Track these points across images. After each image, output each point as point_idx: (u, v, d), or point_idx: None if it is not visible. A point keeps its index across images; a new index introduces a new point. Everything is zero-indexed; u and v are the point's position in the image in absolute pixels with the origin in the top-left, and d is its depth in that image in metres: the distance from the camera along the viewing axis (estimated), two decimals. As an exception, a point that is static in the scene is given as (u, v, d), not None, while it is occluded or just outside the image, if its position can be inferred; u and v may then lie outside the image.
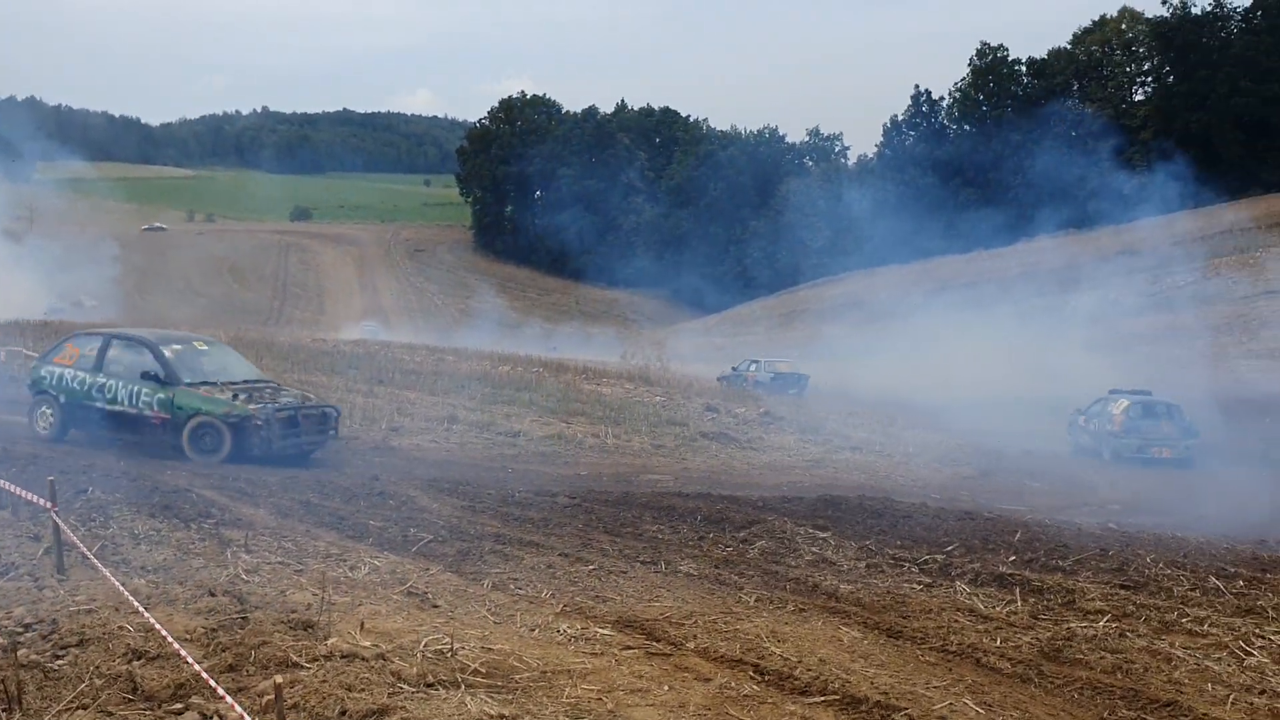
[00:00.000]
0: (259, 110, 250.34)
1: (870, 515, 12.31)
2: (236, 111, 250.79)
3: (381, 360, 31.06)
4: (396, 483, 13.02)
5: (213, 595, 7.96)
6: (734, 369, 38.53)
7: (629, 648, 7.10)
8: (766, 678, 6.62)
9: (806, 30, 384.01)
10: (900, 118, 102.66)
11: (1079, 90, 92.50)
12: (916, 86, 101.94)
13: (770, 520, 11.46)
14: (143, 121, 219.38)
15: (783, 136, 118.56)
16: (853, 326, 56.34)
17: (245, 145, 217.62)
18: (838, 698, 6.30)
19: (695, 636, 7.39)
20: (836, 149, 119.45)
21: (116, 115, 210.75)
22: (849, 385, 35.57)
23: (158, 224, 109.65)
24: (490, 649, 6.92)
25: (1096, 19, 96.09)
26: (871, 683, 6.58)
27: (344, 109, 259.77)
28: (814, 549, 10.43)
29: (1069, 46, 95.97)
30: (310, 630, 7.12)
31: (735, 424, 23.01)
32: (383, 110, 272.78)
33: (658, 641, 7.26)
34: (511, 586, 8.59)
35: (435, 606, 7.98)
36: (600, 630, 7.45)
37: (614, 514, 11.62)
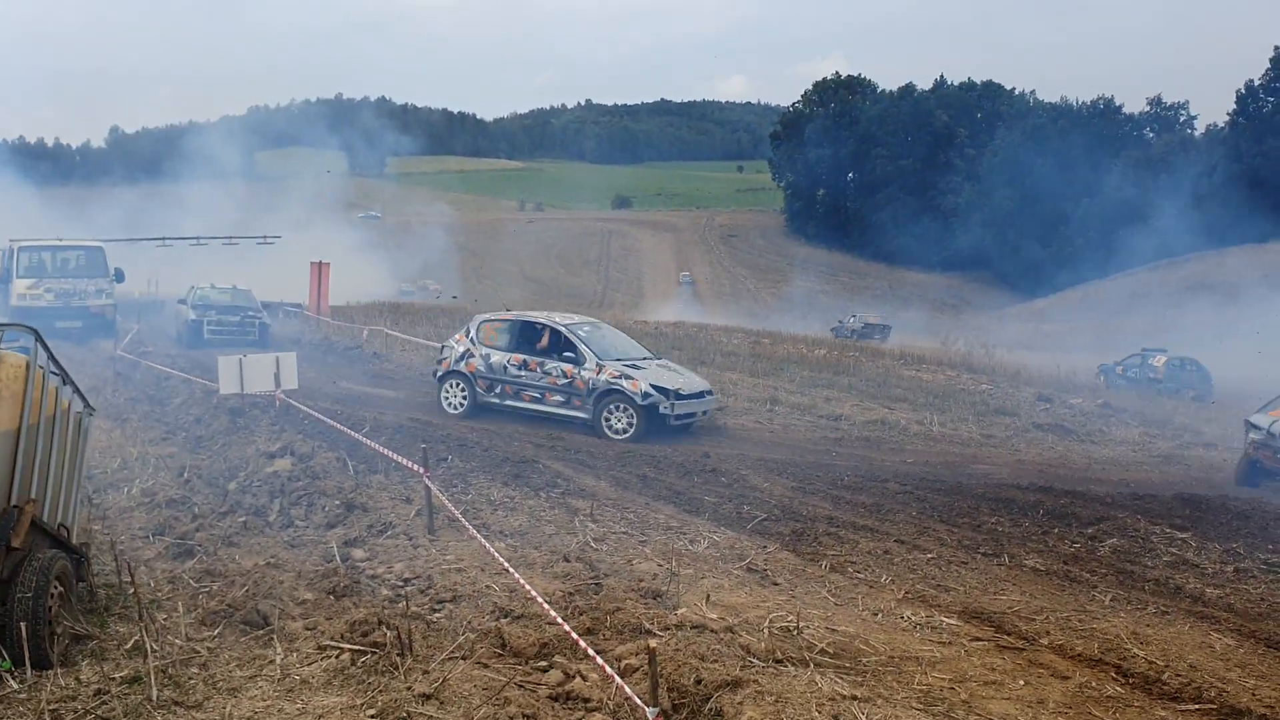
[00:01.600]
0: (582, 103, 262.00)
1: (1235, 517, 11.32)
2: (562, 105, 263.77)
3: (701, 342, 31.73)
4: (726, 460, 13.27)
5: (567, 561, 8.45)
6: (839, 321, 51.38)
7: (978, 639, 6.91)
8: (1130, 680, 6.26)
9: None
10: (1257, 82, 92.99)
11: None
12: (1277, 48, 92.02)
13: (1121, 518, 10.79)
14: (478, 117, 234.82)
15: (1119, 107, 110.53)
16: (1202, 312, 51.88)
17: (569, 137, 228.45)
18: (1214, 707, 5.87)
19: (1048, 633, 7.09)
20: (1181, 119, 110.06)
21: (454, 112, 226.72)
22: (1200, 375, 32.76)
23: (373, 213, 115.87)
24: (834, 630, 6.94)
25: None
26: (1253, 694, 6.08)
27: (661, 99, 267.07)
28: (1173, 550, 9.73)
29: None
30: (659, 599, 7.41)
31: (1071, 415, 21.78)
32: (698, 99, 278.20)
33: (1008, 635, 7.02)
34: (849, 569, 8.57)
35: (775, 584, 8.09)
36: (945, 619, 7.29)
37: (948, 503, 11.31)
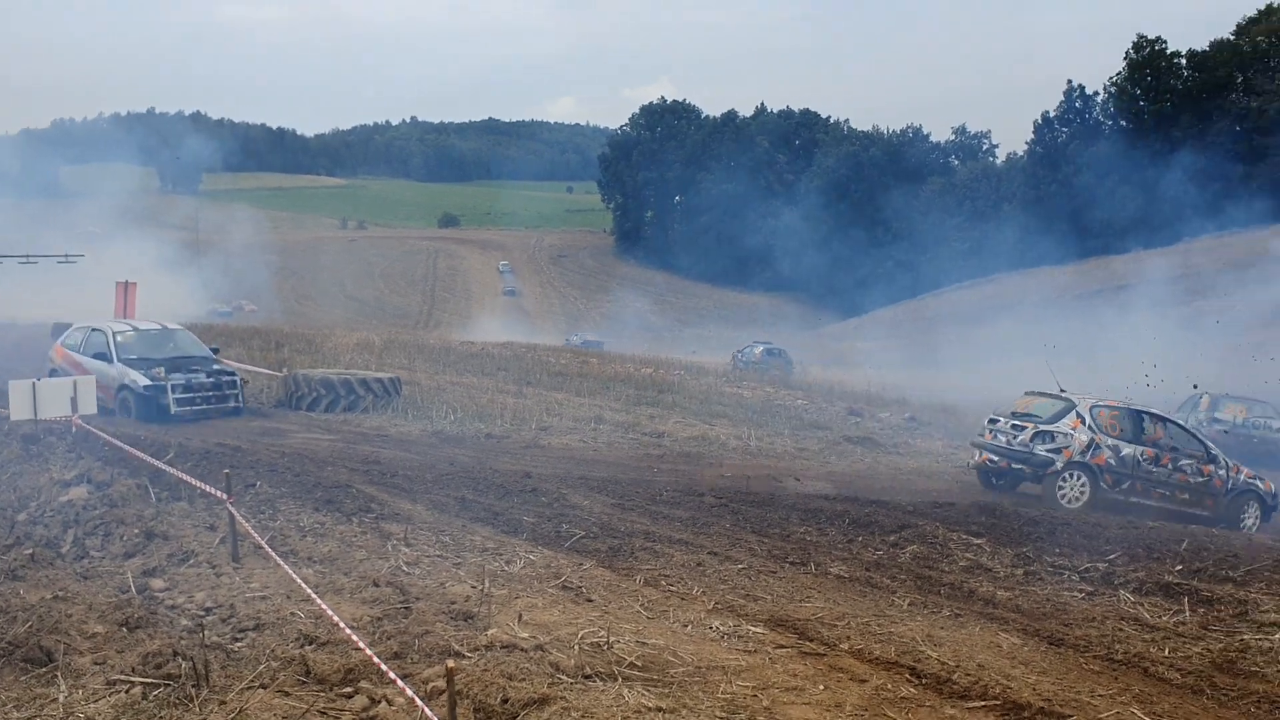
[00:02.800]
0: (408, 120, 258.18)
1: (1027, 523, 11.99)
2: (386, 121, 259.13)
3: (529, 362, 31.67)
4: (547, 480, 13.25)
5: (376, 586, 8.27)
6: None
7: (782, 646, 7.10)
8: (924, 681, 6.53)
9: (949, 26, 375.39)
10: (1052, 114, 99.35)
11: (1244, 83, 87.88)
12: (1069, 81, 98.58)
13: (921, 525, 11.27)
14: (298, 133, 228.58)
15: (927, 135, 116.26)
16: (1003, 328, 54.80)
17: (394, 154, 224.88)
18: (999, 703, 6.18)
19: (849, 638, 7.33)
20: (984, 147, 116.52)
21: (274, 127, 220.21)
22: (999, 389, 34.54)
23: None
24: (645, 643, 7.01)
25: (1263, 8, 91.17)
26: (1034, 689, 6.43)
27: (489, 118, 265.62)
28: (968, 555, 10.22)
29: (1233, 37, 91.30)
30: (470, 621, 7.34)
31: (880, 429, 22.68)
32: (527, 119, 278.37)
33: (811, 641, 7.23)
34: (663, 583, 8.67)
35: (589, 600, 8.12)
36: (752, 628, 7.46)
37: (761, 515, 11.60)
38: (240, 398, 18.81)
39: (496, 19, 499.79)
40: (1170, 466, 15.02)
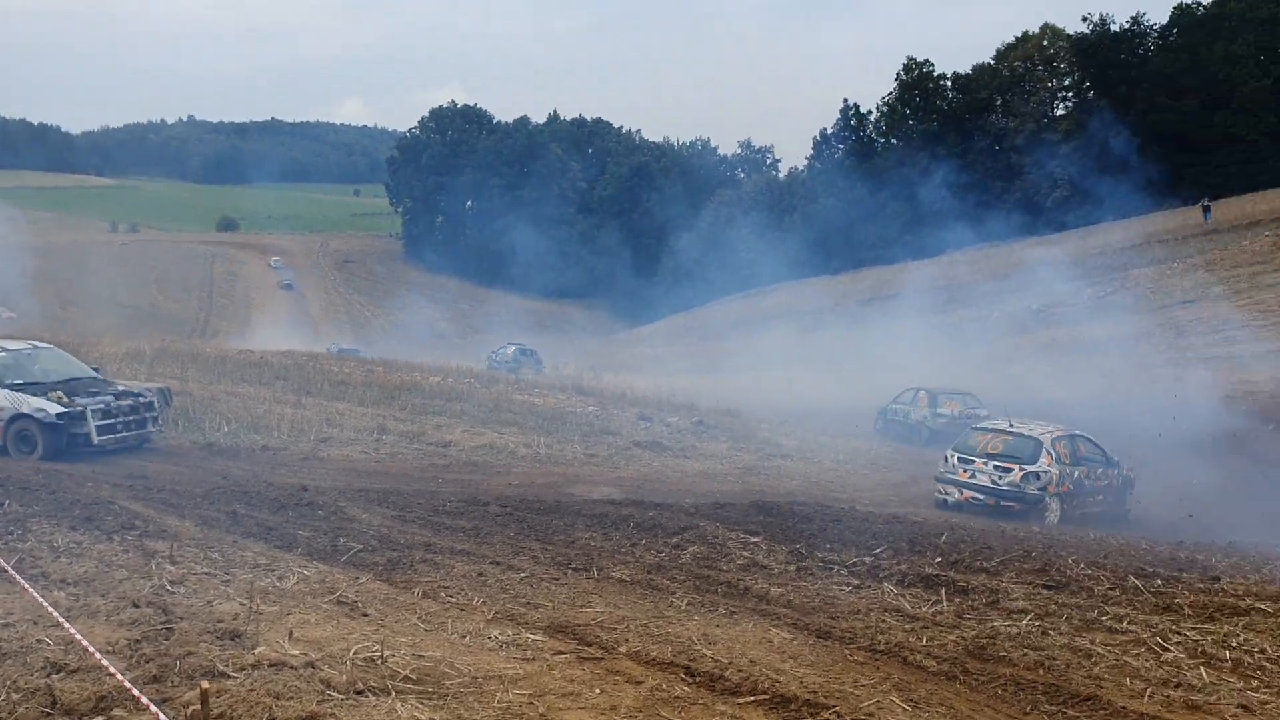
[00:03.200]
0: (185, 119, 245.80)
1: (801, 520, 12.44)
2: (161, 120, 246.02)
3: (310, 371, 30.65)
4: (325, 493, 12.88)
5: (136, 607, 7.82)
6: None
7: (560, 653, 7.11)
8: (697, 679, 6.67)
9: (737, 43, 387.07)
10: (830, 130, 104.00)
11: (1002, 105, 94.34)
12: (845, 100, 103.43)
13: (703, 526, 11.54)
14: (62, 129, 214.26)
15: (715, 148, 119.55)
16: (785, 336, 56.81)
17: (170, 154, 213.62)
18: (767, 697, 6.38)
19: (627, 640, 7.42)
20: (768, 161, 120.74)
21: (34, 123, 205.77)
22: (782, 394, 35.82)
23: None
24: (421, 656, 6.89)
25: (1019, 35, 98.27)
26: (801, 682, 6.67)
27: (272, 118, 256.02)
28: (746, 554, 10.52)
29: (993, 62, 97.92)
30: (238, 640, 7.03)
31: (668, 433, 23.10)
32: (312, 120, 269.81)
33: (589, 646, 7.28)
34: (442, 594, 8.56)
35: (365, 615, 7.93)
36: (531, 636, 7.45)
37: (546, 522, 11.61)
38: (157, 421, 16.82)
39: (280, 17, 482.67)
40: (1096, 478, 17.49)
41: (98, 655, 6.01)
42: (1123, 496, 18.05)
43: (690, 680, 6.66)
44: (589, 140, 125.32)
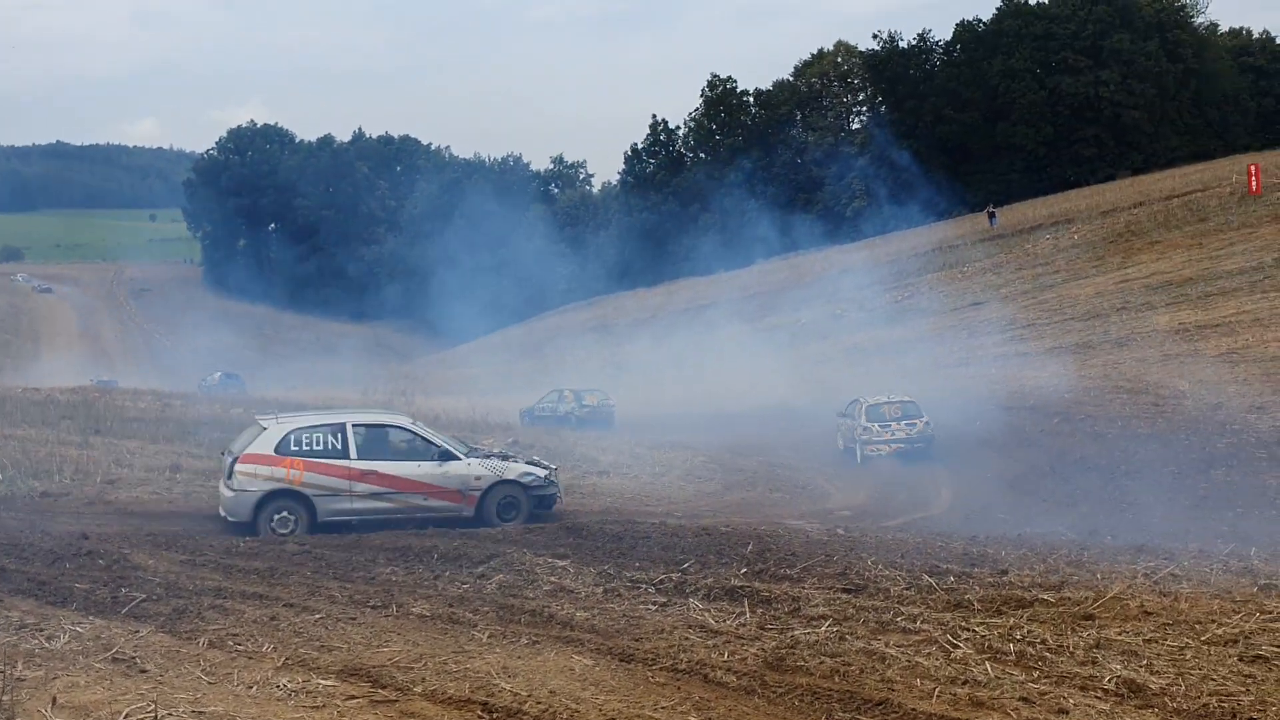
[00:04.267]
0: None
1: (610, 539, 12.39)
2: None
3: (100, 409, 28.89)
4: (109, 540, 12.08)
5: None
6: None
7: (353, 698, 6.82)
8: (495, 715, 6.51)
9: (545, 59, 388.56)
10: (640, 145, 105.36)
11: (802, 119, 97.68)
12: (654, 115, 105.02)
13: (509, 553, 11.34)
14: None
15: (527, 164, 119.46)
16: (601, 350, 57.13)
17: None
18: (564, 729, 6.25)
19: (424, 679, 7.18)
20: (581, 176, 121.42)
21: None
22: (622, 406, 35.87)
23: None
24: (201, 713, 6.50)
25: (816, 52, 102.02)
26: (600, 710, 6.58)
27: (58, 141, 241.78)
28: (553, 578, 10.38)
29: (792, 78, 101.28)
30: (-10, 714, 6.45)
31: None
32: (102, 142, 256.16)
33: (384, 689, 7.00)
34: (230, 643, 8.09)
35: (143, 671, 7.42)
36: (323, 682, 7.12)
37: (346, 559, 11.19)
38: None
39: (61, 33, 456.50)
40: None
41: None
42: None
43: (487, 716, 6.48)
44: (397, 158, 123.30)
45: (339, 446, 14.30)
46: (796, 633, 8.46)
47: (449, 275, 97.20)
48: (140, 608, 9.20)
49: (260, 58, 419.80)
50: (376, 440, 14.83)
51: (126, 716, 6.39)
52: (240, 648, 7.99)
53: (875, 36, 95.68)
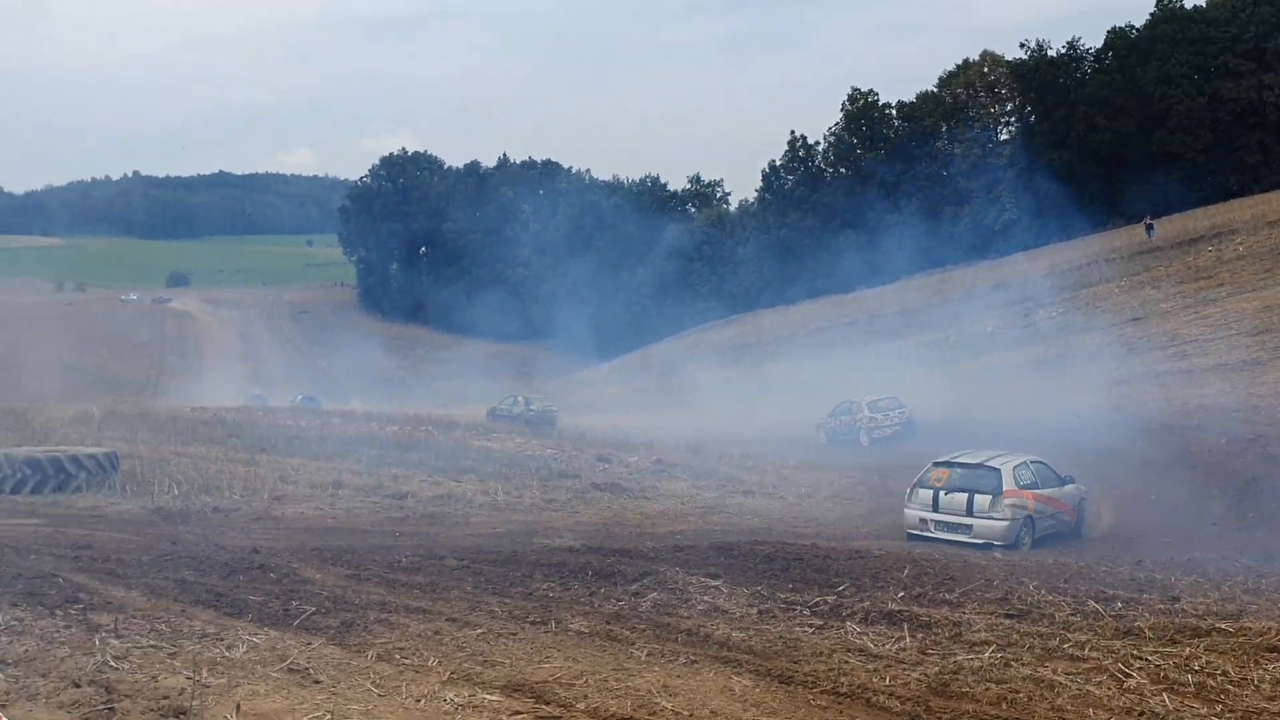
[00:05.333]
0: (130, 175, 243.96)
1: (762, 560, 12.32)
2: (106, 177, 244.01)
3: (265, 427, 30.24)
4: (278, 554, 12.59)
5: (78, 686, 7.54)
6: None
7: (518, 713, 6.94)
8: (658, 734, 6.53)
9: (682, 80, 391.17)
10: (778, 162, 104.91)
11: (947, 132, 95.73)
12: (792, 132, 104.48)
13: (662, 571, 11.39)
14: (4, 189, 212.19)
15: (665, 184, 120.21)
16: (742, 369, 56.98)
17: (116, 211, 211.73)
18: (729, 750, 6.24)
19: (586, 696, 7.26)
20: (718, 195, 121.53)
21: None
22: (742, 428, 35.82)
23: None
24: (374, 724, 6.70)
25: (960, 63, 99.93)
26: (764, 731, 6.54)
27: (220, 171, 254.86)
28: (706, 598, 10.38)
29: (936, 90, 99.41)
30: (182, 717, 6.80)
31: (628, 473, 22.95)
32: (261, 171, 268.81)
33: (547, 704, 7.11)
34: (397, 656, 8.34)
35: (317, 682, 7.69)
36: (488, 696, 7.26)
37: (503, 574, 11.41)
38: None
39: (223, 70, 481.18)
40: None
41: (31, 745, 5.76)
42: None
43: (650, 735, 6.51)
44: (540, 181, 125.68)
45: (1033, 478, 17.31)
46: (959, 658, 8.27)
47: (589, 295, 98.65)
48: (310, 620, 9.55)
49: (410, 89, 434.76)
50: (1040, 472, 17.66)
51: (305, 724, 6.63)
52: (407, 661, 8.22)
53: (1023, 46, 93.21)
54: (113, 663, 8.12)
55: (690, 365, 66.01)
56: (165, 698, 7.18)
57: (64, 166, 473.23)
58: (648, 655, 8.35)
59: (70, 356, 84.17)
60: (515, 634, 9.00)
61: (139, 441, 24.71)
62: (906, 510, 17.57)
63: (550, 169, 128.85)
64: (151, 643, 8.71)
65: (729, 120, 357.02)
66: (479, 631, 9.03)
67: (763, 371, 54.56)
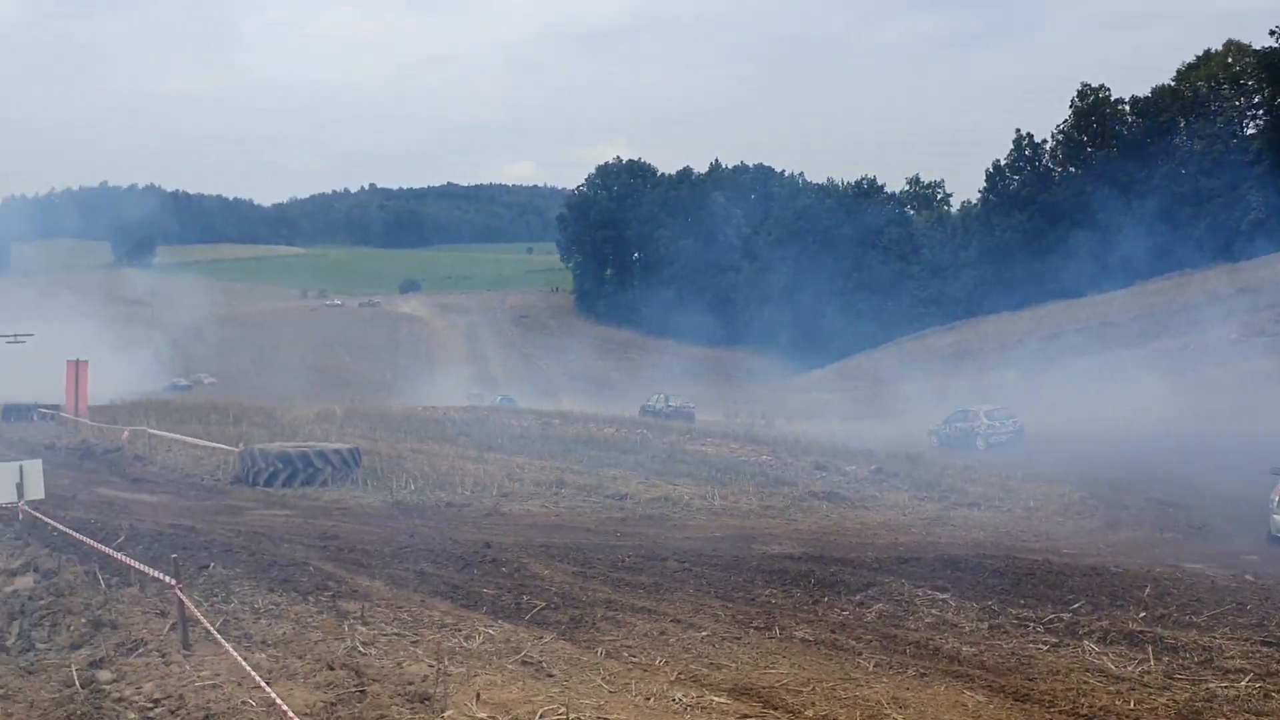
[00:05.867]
0: (366, 187, 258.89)
1: (991, 574, 11.93)
2: (345, 189, 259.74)
3: (491, 426, 31.47)
4: (508, 549, 13.07)
5: (331, 669, 8.06)
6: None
7: (745, 716, 6.97)
8: (890, 746, 6.43)
9: (898, 78, 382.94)
10: (1003, 162, 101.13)
11: (1185, 127, 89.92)
12: (1018, 130, 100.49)
13: (887, 582, 11.20)
14: (255, 202, 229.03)
15: (881, 186, 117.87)
16: (964, 376, 55.25)
17: (354, 222, 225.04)
18: (965, 767, 6.08)
19: (814, 704, 7.22)
20: (939, 196, 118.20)
21: (230, 198, 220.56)
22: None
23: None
24: (607, 719, 6.86)
25: (1201, 54, 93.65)
26: (1000, 750, 6.34)
27: (448, 182, 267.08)
28: (934, 611, 10.14)
29: (1173, 83, 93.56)
30: (427, 702, 7.16)
31: (846, 482, 22.64)
32: (486, 182, 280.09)
33: (775, 710, 7.11)
34: (625, 654, 8.52)
35: (550, 676, 7.95)
36: (715, 698, 7.33)
37: (725, 578, 11.48)
38: None
39: (448, 87, 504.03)
40: None
41: (296, 719, 6.20)
42: None
43: (882, 747, 6.42)
44: (752, 186, 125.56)
45: None
46: (1211, 685, 7.77)
47: (802, 301, 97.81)
48: (541, 615, 9.88)
49: (623, 99, 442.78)
50: None
51: (541, 716, 6.86)
52: (635, 659, 8.39)
53: (1273, 33, 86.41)
54: (361, 648, 8.64)
55: (906, 372, 64.55)
56: (410, 683, 7.59)
57: (307, 180, 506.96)
58: (875, 666, 8.23)
59: (313, 358, 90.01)
60: (740, 638, 9.04)
61: (377, 439, 26.17)
62: (1275, 516, 17.17)
63: (763, 173, 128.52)
64: (395, 630, 9.22)
65: (950, 119, 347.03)
66: (704, 634, 9.12)
67: (987, 381, 52.74)
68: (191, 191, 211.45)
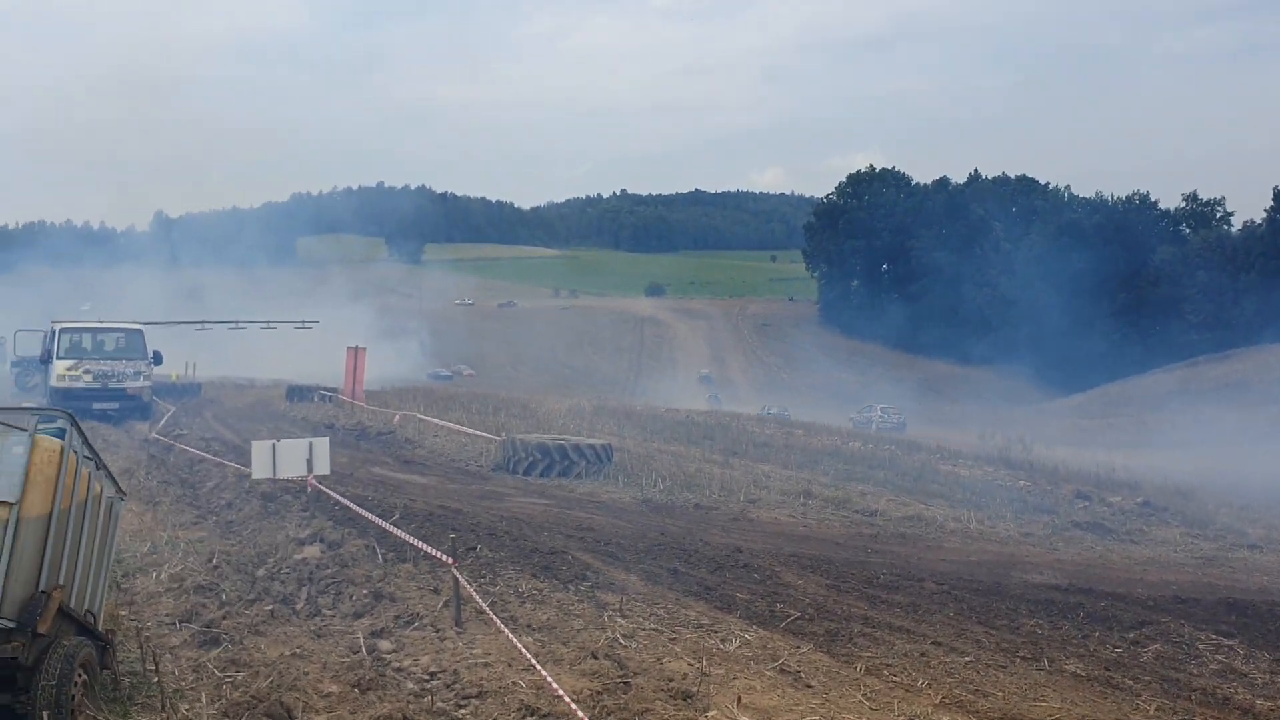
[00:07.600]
0: (618, 193, 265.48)
1: (1284, 623, 10.99)
2: (598, 195, 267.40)
3: (734, 432, 31.57)
4: (759, 556, 13.06)
5: (595, 658, 8.27)
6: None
7: (1017, 749, 6.69)
8: (1181, 798, 6.01)
9: (1176, 89, 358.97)
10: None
11: None
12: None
13: (1164, 622, 10.49)
14: (515, 205, 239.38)
15: (1155, 202, 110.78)
16: (1239, 409, 51.18)
17: (605, 226, 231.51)
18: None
19: (1091, 744, 6.85)
20: (1218, 214, 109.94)
21: (493, 200, 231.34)
22: (1240, 475, 32.20)
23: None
24: (870, 737, 6.74)
25: None
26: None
27: (696, 189, 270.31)
28: (1219, 657, 9.43)
29: None
30: (690, 701, 7.23)
31: (1110, 514, 21.37)
32: (732, 189, 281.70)
33: (1049, 745, 6.79)
34: (885, 672, 8.34)
35: (809, 687, 7.88)
36: (984, 727, 7.07)
37: (986, 604, 11.05)
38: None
39: (702, 95, 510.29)
40: None
41: (570, 703, 6.39)
42: None
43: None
44: (1013, 198, 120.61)
45: None
46: None
47: (1064, 321, 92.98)
48: (795, 624, 9.80)
49: (878, 107, 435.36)
50: None
51: (803, 726, 6.80)
52: (895, 679, 8.20)
53: None
54: (622, 640, 8.83)
55: (1175, 402, 60.37)
56: (671, 680, 7.69)
57: (564, 185, 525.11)
58: (1156, 710, 7.74)
59: (564, 355, 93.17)
60: (1005, 667, 8.69)
61: (625, 435, 26.76)
62: None
63: (1026, 185, 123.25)
64: (654, 626, 9.38)
65: (1234, 134, 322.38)
66: (967, 659, 8.82)
67: (1265, 414, 48.68)
68: (459, 193, 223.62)
